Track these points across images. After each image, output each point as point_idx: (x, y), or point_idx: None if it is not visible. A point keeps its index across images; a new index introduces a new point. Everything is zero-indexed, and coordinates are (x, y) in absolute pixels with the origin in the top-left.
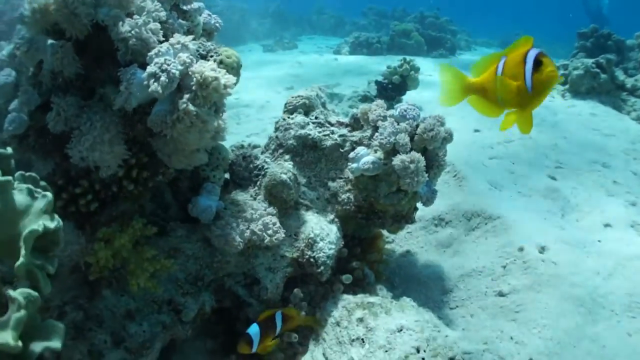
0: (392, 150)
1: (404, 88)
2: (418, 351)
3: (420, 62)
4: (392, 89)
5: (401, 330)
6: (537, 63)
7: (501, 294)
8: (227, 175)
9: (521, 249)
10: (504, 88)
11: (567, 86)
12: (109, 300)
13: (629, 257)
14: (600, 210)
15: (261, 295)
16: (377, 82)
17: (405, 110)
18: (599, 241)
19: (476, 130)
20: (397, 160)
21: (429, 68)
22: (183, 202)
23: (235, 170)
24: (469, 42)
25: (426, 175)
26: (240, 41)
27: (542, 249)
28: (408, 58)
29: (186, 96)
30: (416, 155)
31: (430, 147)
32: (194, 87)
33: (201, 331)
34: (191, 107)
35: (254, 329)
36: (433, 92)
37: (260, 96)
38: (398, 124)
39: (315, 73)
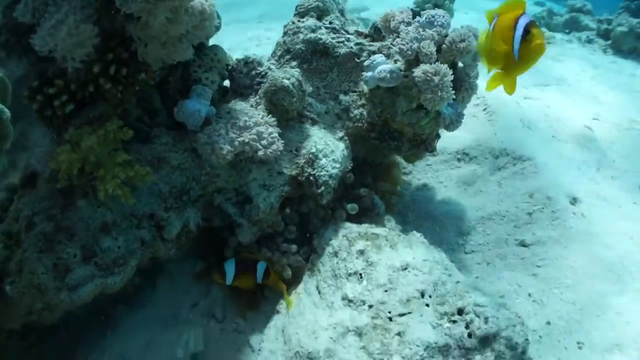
0: (414, 60)
1: None
2: (423, 295)
3: None
4: None
5: (406, 268)
6: (527, 32)
7: (523, 244)
8: (227, 84)
9: (550, 197)
10: (493, 49)
11: (609, 41)
12: (83, 212)
13: None
14: (636, 172)
15: (252, 215)
16: None
17: (433, 16)
18: (634, 203)
19: None
20: (418, 71)
21: (463, 5)
22: (172, 108)
23: (236, 77)
24: None
25: (452, 92)
26: None
27: (574, 201)
28: None
29: None
30: (441, 66)
31: (461, 62)
32: None
33: (190, 251)
34: None
35: (229, 265)
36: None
37: (284, 21)
38: (424, 31)
39: None
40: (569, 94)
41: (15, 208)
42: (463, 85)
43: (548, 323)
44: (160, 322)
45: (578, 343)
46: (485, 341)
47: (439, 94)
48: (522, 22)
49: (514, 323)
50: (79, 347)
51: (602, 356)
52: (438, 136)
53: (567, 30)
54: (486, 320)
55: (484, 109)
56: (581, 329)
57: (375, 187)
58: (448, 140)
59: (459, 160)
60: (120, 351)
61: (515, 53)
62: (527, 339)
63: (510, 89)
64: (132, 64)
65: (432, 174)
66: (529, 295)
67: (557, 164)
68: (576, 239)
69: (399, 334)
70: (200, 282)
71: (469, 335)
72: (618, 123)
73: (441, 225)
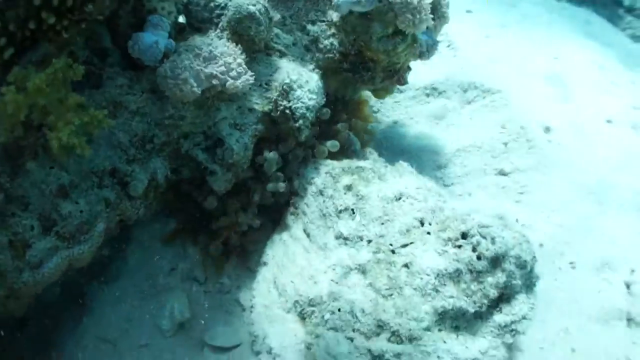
0: None
1: None
2: (422, 224)
3: None
4: None
5: (400, 198)
6: None
7: (502, 173)
8: (182, 20)
9: (524, 127)
10: None
11: None
12: (35, 175)
13: (634, 154)
14: (600, 106)
15: (226, 158)
16: None
17: None
18: (603, 132)
19: (468, 11)
20: None
21: None
22: (125, 47)
23: (192, 10)
24: None
25: (431, 16)
26: None
27: (547, 130)
28: None
29: None
30: None
31: None
32: None
33: (159, 210)
34: None
35: None
36: None
37: None
38: None
39: None
40: (527, 36)
41: None
42: (436, 13)
43: (541, 245)
44: (138, 293)
45: (571, 263)
46: (496, 262)
47: (418, 16)
48: None
49: (520, 241)
50: (55, 337)
51: (594, 275)
52: (409, 68)
53: None
54: (493, 240)
55: (448, 45)
56: (571, 250)
57: (349, 124)
58: (415, 76)
59: (427, 95)
60: (99, 333)
61: None
62: (534, 257)
63: None
64: None
65: (402, 111)
66: (517, 220)
67: (526, 95)
68: (554, 165)
69: (405, 265)
70: (175, 243)
71: (478, 258)
72: (576, 64)
73: (418, 160)
